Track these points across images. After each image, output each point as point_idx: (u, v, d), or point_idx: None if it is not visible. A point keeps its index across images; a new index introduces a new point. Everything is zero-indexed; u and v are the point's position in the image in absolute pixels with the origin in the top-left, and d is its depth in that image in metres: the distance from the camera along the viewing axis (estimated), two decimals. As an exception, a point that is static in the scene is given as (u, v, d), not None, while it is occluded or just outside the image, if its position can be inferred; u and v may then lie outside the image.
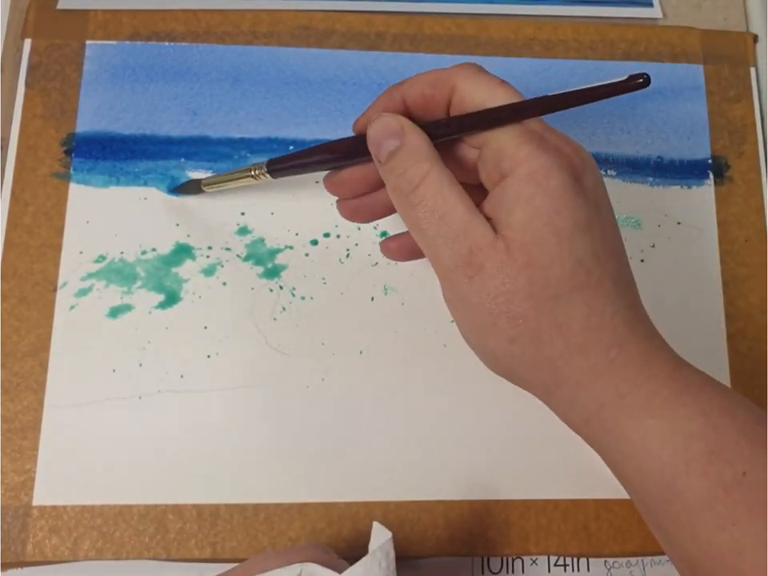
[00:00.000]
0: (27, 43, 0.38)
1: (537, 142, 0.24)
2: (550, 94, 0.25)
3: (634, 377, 0.24)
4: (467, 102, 0.26)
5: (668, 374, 0.25)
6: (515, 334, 0.24)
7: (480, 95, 0.26)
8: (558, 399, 0.26)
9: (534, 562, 0.36)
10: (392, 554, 0.25)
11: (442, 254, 0.25)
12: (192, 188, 0.36)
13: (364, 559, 0.24)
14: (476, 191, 0.27)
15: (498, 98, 0.25)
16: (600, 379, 0.24)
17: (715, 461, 0.23)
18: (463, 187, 0.25)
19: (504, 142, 0.25)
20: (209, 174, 0.37)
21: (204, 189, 0.35)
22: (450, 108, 0.27)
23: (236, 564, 0.28)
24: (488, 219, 0.25)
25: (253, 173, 0.32)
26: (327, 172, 0.30)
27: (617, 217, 0.39)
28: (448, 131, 0.26)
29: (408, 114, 0.27)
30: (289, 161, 0.30)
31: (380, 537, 0.25)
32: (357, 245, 0.37)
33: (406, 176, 0.25)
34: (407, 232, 0.29)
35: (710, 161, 0.40)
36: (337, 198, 0.31)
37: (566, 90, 0.25)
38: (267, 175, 0.31)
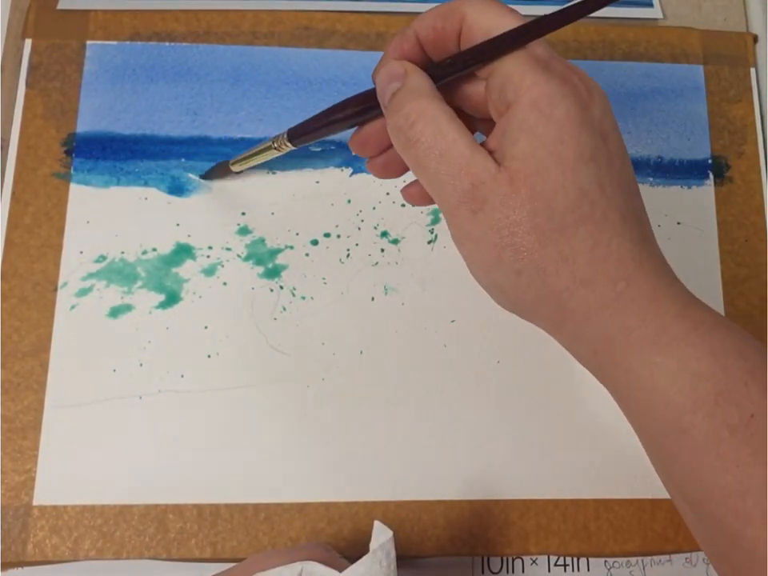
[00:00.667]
0: (28, 43, 0.38)
1: (542, 69, 0.24)
2: (548, 13, 0.24)
3: (641, 312, 0.24)
4: (475, 31, 0.25)
5: (678, 312, 0.24)
6: (520, 266, 0.24)
7: (487, 22, 0.25)
8: (565, 332, 0.26)
9: (534, 561, 0.36)
10: (393, 553, 0.25)
11: (444, 190, 0.24)
12: (221, 171, 0.36)
13: (365, 558, 0.24)
14: (486, 126, 0.26)
15: (505, 26, 0.25)
16: (607, 312, 0.24)
17: (722, 402, 0.23)
18: (478, 124, 0.25)
19: (509, 69, 0.24)
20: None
21: (232, 169, 0.35)
22: (461, 38, 0.26)
23: (236, 563, 0.28)
24: (492, 152, 0.24)
25: (275, 144, 0.32)
26: (345, 140, 0.30)
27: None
28: (453, 69, 0.26)
29: (421, 52, 0.27)
30: (308, 126, 0.30)
31: (381, 536, 0.25)
32: (357, 245, 0.37)
33: (404, 112, 0.25)
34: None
35: (709, 161, 0.40)
36: (366, 159, 0.30)
37: (566, 5, 0.24)
38: (289, 144, 0.31)
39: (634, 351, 0.24)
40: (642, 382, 0.24)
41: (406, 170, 0.30)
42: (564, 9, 0.24)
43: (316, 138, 0.31)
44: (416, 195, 0.30)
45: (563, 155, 0.23)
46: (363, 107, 0.28)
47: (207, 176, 0.37)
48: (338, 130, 0.29)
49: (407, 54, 0.27)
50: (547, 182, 0.23)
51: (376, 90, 0.27)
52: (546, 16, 0.24)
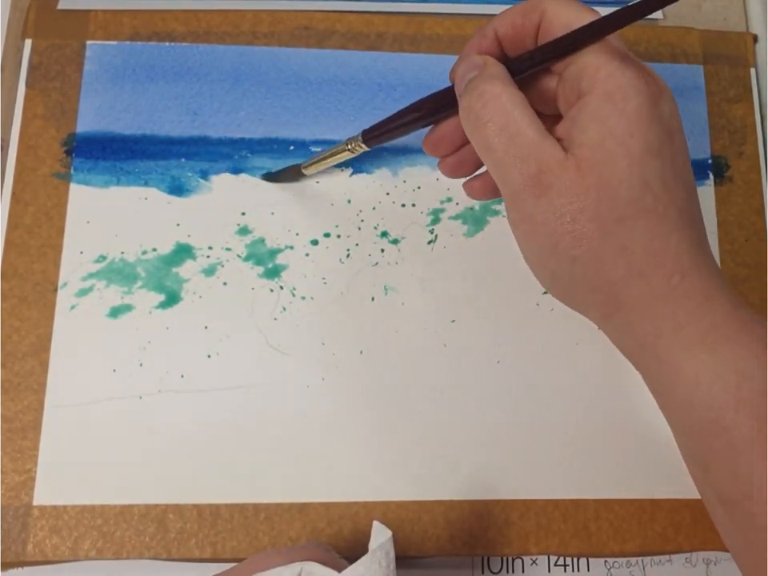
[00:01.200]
0: (28, 43, 0.38)
1: (618, 62, 0.24)
2: (626, 5, 0.25)
3: (693, 308, 0.24)
4: (555, 26, 0.26)
5: (728, 312, 0.25)
6: (577, 254, 0.24)
7: (567, 17, 0.26)
8: (615, 324, 0.26)
9: (534, 561, 0.36)
10: (392, 553, 0.25)
11: (510, 173, 0.25)
12: (290, 174, 0.37)
13: (364, 558, 0.24)
14: (551, 122, 0.27)
15: (584, 20, 0.25)
16: (659, 306, 0.24)
17: (766, 402, 0.23)
18: (540, 119, 0.25)
19: (586, 61, 0.25)
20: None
21: (305, 172, 0.36)
22: (539, 34, 0.27)
23: (236, 563, 0.28)
24: (560, 140, 0.25)
25: (349, 146, 0.32)
26: (416, 140, 0.30)
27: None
28: (531, 63, 0.27)
29: (499, 49, 0.28)
30: (382, 127, 0.31)
31: (380, 536, 0.25)
32: (357, 245, 0.37)
33: (478, 92, 0.25)
34: (483, 172, 0.30)
35: (710, 161, 0.40)
36: (438, 158, 0.31)
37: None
38: (363, 145, 0.32)
39: (681, 346, 0.24)
40: (686, 378, 0.24)
41: (476, 168, 0.30)
42: (644, 0, 0.24)
43: (390, 139, 0.31)
44: (479, 189, 0.31)
45: (632, 148, 0.24)
46: (438, 105, 0.29)
47: (273, 178, 0.37)
48: (412, 130, 0.30)
49: (485, 51, 0.27)
50: (614, 173, 0.24)
51: (454, 84, 0.27)
52: (624, 8, 0.25)
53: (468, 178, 0.31)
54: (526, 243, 0.26)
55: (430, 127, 0.30)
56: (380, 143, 0.32)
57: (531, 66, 0.27)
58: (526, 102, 0.25)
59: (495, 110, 0.25)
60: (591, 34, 0.25)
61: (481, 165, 0.30)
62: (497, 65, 0.26)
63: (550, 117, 0.28)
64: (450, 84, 0.29)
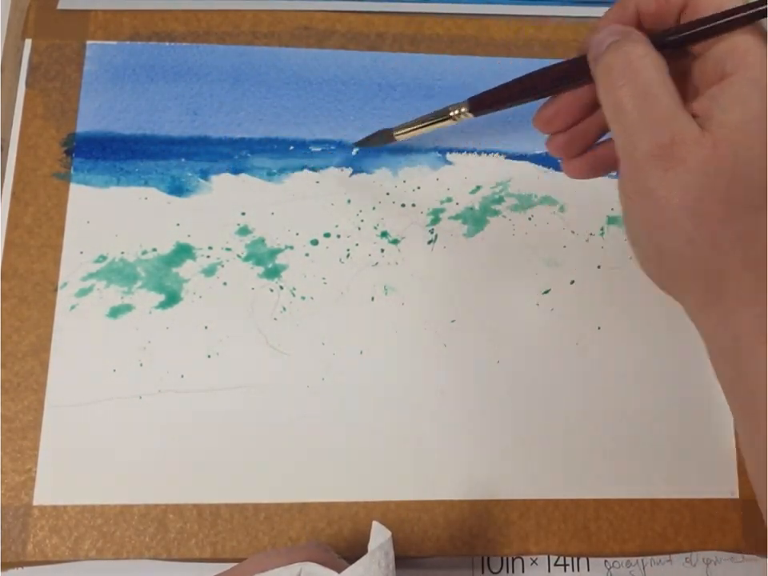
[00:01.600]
0: (28, 43, 0.38)
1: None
2: None
3: None
4: (704, 3, 0.25)
5: None
6: (696, 235, 0.23)
7: None
8: (712, 313, 0.25)
9: (534, 561, 0.36)
10: (391, 554, 0.25)
11: (640, 139, 0.24)
12: (380, 138, 0.36)
13: (363, 558, 0.25)
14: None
15: (734, 2, 0.25)
16: (763, 298, 0.23)
17: None
18: None
19: (735, 42, 0.24)
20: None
21: (396, 138, 0.35)
22: (683, 14, 0.26)
23: (236, 563, 0.28)
24: (696, 117, 0.24)
25: (452, 113, 0.31)
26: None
27: (616, 216, 0.40)
28: (678, 40, 0.26)
29: (637, 24, 0.27)
30: (494, 95, 0.30)
31: (379, 536, 0.25)
32: (357, 245, 0.37)
33: (623, 51, 0.25)
34: (585, 151, 0.29)
35: (710, 161, 0.40)
36: (547, 136, 0.30)
37: None
38: (469, 114, 0.30)
39: None
40: None
41: (585, 149, 0.29)
42: None
43: (500, 108, 0.30)
44: (578, 168, 0.30)
45: None
46: (563, 75, 0.28)
47: (363, 143, 0.37)
48: (525, 101, 0.29)
49: (623, 23, 0.27)
50: (752, 157, 0.23)
51: (588, 49, 0.26)
52: None
53: (566, 161, 0.30)
54: (640, 217, 0.25)
55: (540, 101, 0.29)
56: (488, 112, 0.30)
57: (678, 43, 0.26)
58: (668, 73, 0.24)
59: (637, 71, 0.24)
60: (747, 16, 0.24)
61: (589, 145, 0.29)
62: (640, 34, 0.25)
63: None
64: (546, 65, 0.28)
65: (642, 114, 0.24)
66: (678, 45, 0.26)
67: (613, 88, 0.25)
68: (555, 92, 0.29)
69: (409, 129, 0.34)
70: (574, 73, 0.27)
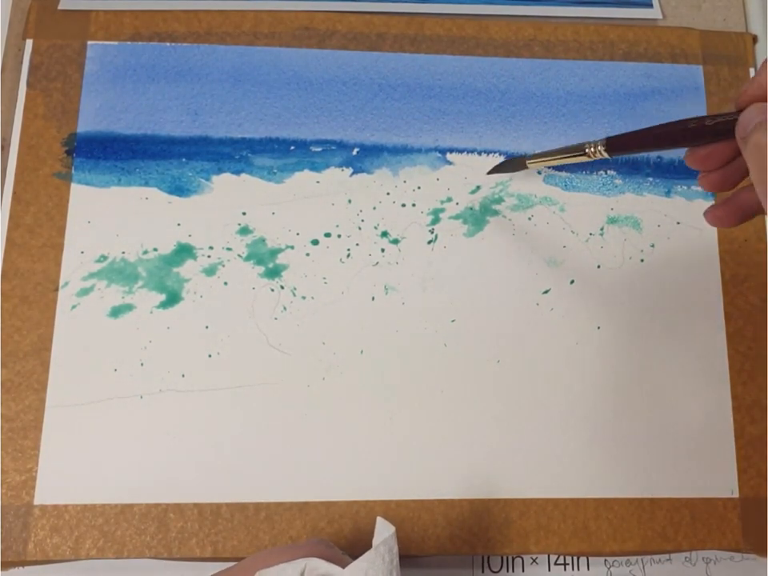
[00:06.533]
0: (29, 43, 0.38)
1: None
2: None
3: None
4: None
5: None
6: None
7: None
8: None
9: (534, 560, 0.36)
10: (395, 549, 0.25)
11: None
12: (512, 166, 0.37)
13: (367, 554, 0.25)
14: None
15: None
16: None
17: None
18: None
19: None
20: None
21: (529, 166, 0.35)
22: None
23: (237, 562, 0.28)
24: None
25: (588, 150, 0.31)
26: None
27: (616, 216, 0.40)
28: None
29: None
30: (634, 139, 0.30)
31: (384, 531, 0.25)
32: (357, 245, 0.37)
33: None
34: (731, 198, 0.30)
35: (709, 161, 0.40)
36: (699, 173, 0.31)
37: None
38: (605, 153, 0.31)
39: None
40: None
41: (737, 185, 0.30)
42: None
43: (635, 152, 0.31)
44: (721, 217, 0.30)
45: None
46: (709, 133, 0.28)
47: (495, 170, 0.38)
48: (667, 148, 0.30)
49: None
50: None
51: (737, 127, 0.27)
52: None
53: (711, 207, 0.31)
54: None
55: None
56: (623, 153, 0.31)
57: None
58: None
59: None
60: None
61: (739, 181, 0.30)
62: None
63: None
64: (723, 113, 0.28)
65: None
66: None
67: (764, 168, 0.25)
68: (695, 145, 0.29)
69: (542, 159, 0.34)
70: (718, 131, 0.28)
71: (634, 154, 0.30)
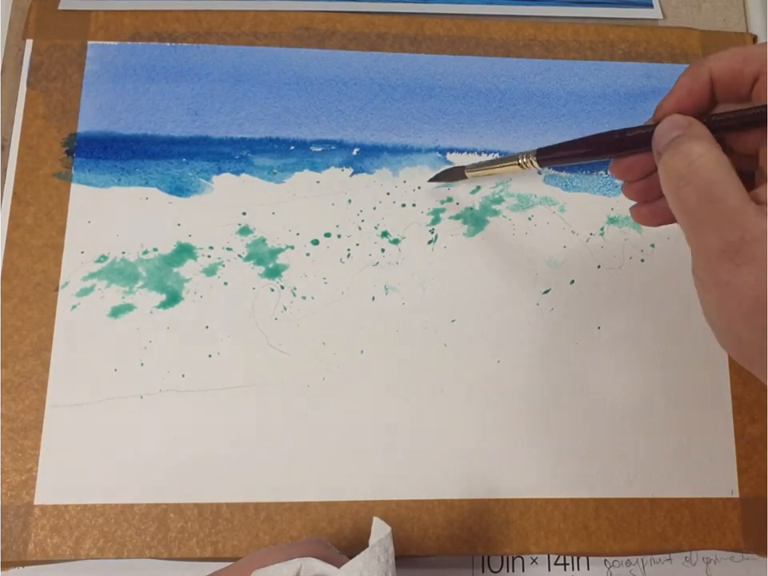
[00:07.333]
0: (29, 43, 0.38)
1: None
2: None
3: None
4: None
5: None
6: None
7: None
8: None
9: (534, 560, 0.36)
10: (391, 549, 0.25)
11: (707, 237, 0.24)
12: (452, 175, 0.37)
13: (363, 554, 0.25)
14: (747, 180, 0.26)
15: None
16: None
17: None
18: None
19: None
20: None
21: (468, 175, 0.36)
22: (756, 85, 0.26)
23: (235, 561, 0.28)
24: (759, 204, 0.24)
25: (520, 161, 0.32)
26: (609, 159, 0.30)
27: (616, 216, 0.40)
28: (738, 125, 0.26)
29: (710, 92, 0.27)
30: (562, 150, 0.30)
31: (379, 531, 0.25)
32: (357, 245, 0.37)
33: (682, 151, 0.25)
34: (660, 198, 0.29)
35: (709, 161, 0.40)
36: (622, 182, 0.31)
37: None
38: (536, 164, 0.31)
39: None
40: None
41: (661, 196, 0.29)
42: None
43: (565, 163, 0.31)
44: (647, 216, 0.30)
45: None
46: (630, 144, 0.28)
47: (435, 178, 0.38)
48: (593, 160, 0.30)
49: (696, 93, 0.27)
50: None
51: (653, 140, 0.27)
52: None
53: (636, 205, 0.30)
54: (714, 306, 0.25)
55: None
56: (554, 164, 0.31)
57: (738, 128, 0.26)
58: (731, 165, 0.24)
59: (698, 172, 0.24)
60: None
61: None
62: (701, 126, 0.26)
63: (745, 174, 0.27)
64: (643, 125, 0.28)
65: (707, 214, 0.24)
66: (741, 128, 0.26)
67: (675, 189, 0.25)
68: (623, 155, 0.29)
69: (479, 168, 0.35)
70: (640, 142, 0.28)
71: (565, 164, 0.30)
